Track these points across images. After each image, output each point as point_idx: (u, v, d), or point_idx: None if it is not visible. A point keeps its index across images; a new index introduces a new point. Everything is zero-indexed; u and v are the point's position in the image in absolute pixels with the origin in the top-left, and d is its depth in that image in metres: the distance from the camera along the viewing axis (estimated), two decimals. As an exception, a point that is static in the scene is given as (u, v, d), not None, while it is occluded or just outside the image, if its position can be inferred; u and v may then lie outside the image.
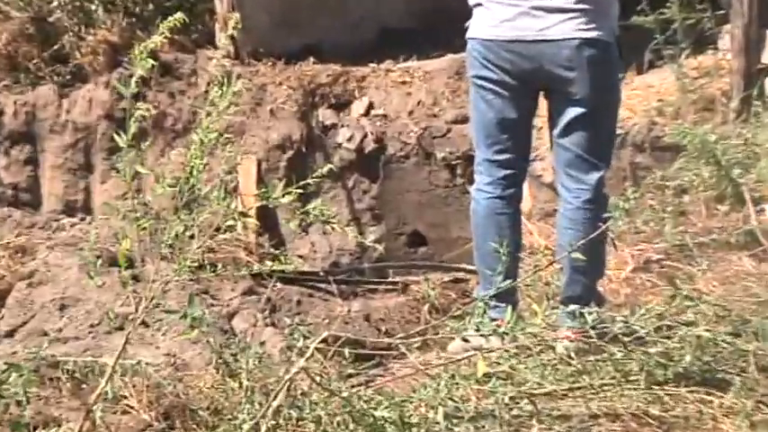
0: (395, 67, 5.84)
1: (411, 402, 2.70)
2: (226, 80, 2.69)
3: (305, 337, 2.66)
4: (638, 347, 2.95)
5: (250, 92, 5.52)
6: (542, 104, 3.57)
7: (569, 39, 3.35)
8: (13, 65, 5.86)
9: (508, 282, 2.94)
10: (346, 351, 2.84)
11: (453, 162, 5.47)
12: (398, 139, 5.55)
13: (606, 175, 3.49)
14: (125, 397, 2.82)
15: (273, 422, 2.55)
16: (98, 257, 2.72)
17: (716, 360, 3.05)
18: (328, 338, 2.78)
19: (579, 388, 2.96)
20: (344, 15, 6.04)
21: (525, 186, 3.78)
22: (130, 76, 2.59)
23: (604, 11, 3.41)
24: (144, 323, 3.13)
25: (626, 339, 2.94)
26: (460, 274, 4.87)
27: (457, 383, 2.71)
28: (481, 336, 2.77)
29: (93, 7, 5.87)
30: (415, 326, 4.10)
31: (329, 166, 2.95)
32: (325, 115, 5.66)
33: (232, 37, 3.03)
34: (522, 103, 3.48)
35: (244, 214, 2.65)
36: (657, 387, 2.92)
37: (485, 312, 2.76)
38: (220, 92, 2.67)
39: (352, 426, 2.59)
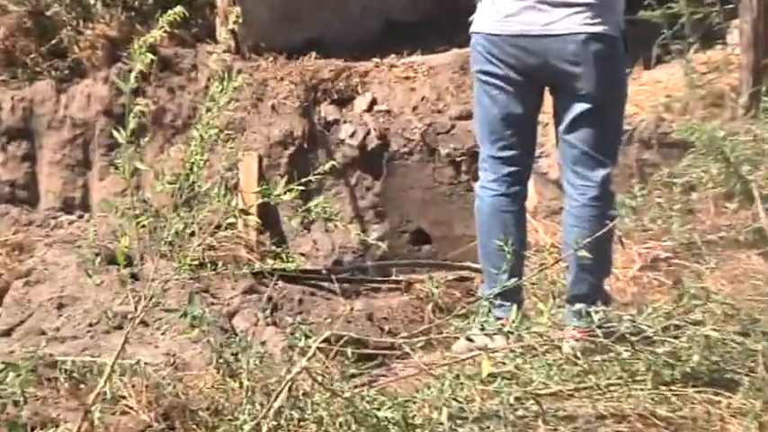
0: (398, 62, 5.80)
1: (414, 403, 2.69)
2: (226, 75, 2.68)
3: (307, 337, 2.65)
4: (646, 347, 2.93)
5: (251, 87, 5.50)
6: (548, 100, 3.55)
7: (575, 33, 3.34)
8: (11, 59, 5.84)
9: (513, 280, 2.95)
10: (349, 351, 2.82)
11: (458, 159, 5.44)
12: (402, 135, 5.51)
13: (613, 171, 3.48)
14: (124, 397, 2.81)
15: (275, 423, 2.53)
16: (96, 255, 2.74)
17: (724, 360, 3.02)
18: (330, 338, 2.77)
19: (585, 388, 2.95)
20: (347, 9, 6.00)
21: (531, 183, 3.76)
22: (129, 71, 2.57)
23: (610, 5, 3.39)
24: (143, 322, 3.16)
25: (633, 339, 2.92)
26: (465, 273, 4.86)
27: (461, 383, 2.70)
28: (486, 335, 2.76)
29: (92, 1, 5.84)
30: (418, 325, 4.07)
31: (331, 162, 2.98)
32: (327, 111, 5.62)
33: (233, 31, 3.02)
34: (527, 98, 3.46)
35: (245, 212, 2.66)
36: (665, 387, 2.90)
37: (489, 311, 2.75)
38: (221, 87, 2.66)
39: (354, 427, 2.58)
